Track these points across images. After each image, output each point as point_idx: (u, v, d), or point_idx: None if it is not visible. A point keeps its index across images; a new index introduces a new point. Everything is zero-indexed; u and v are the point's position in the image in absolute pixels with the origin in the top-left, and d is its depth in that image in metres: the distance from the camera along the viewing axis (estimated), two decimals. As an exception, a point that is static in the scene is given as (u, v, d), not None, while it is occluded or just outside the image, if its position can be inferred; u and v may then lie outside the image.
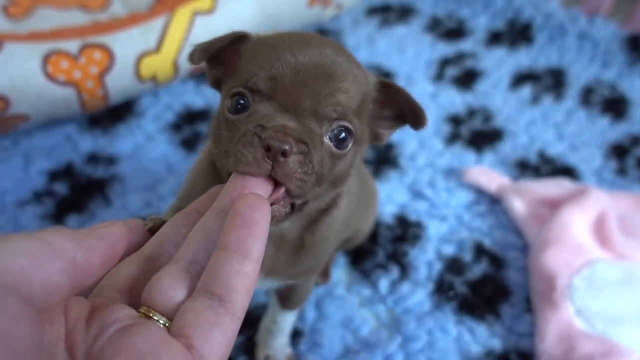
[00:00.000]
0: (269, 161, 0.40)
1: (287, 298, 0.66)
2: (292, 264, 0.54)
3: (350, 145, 0.45)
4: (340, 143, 0.45)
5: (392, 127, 0.53)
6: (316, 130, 0.43)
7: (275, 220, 0.42)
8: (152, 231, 0.42)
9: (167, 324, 0.35)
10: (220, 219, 0.38)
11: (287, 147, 0.39)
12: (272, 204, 0.41)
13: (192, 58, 0.47)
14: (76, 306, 0.34)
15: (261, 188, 0.40)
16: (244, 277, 0.35)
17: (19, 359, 0.27)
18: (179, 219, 0.42)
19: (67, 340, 0.32)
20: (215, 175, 0.51)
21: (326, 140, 0.44)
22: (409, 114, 0.50)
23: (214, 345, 0.33)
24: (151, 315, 0.35)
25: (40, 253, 0.30)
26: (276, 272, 0.55)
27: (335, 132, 0.44)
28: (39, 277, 0.29)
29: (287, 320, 0.69)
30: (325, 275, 0.81)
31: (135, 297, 0.37)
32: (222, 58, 0.49)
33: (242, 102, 0.44)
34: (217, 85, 0.52)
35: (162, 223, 0.43)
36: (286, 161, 0.40)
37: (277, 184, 0.41)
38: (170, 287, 0.36)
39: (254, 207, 0.36)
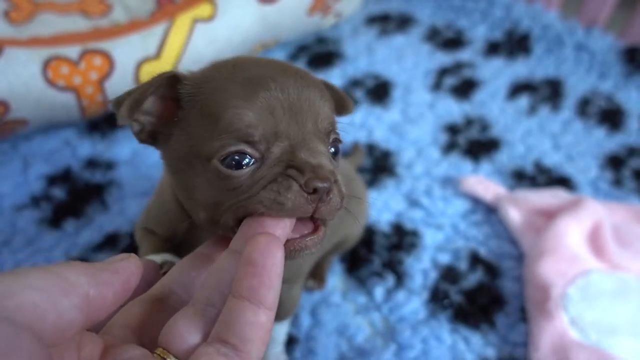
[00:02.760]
0: (314, 203, 0.38)
1: None
2: None
3: (340, 155, 0.45)
4: (335, 156, 0.44)
5: None
6: (327, 152, 0.42)
7: (311, 249, 0.41)
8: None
9: None
10: (233, 260, 0.37)
11: (329, 185, 0.38)
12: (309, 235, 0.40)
13: (120, 117, 0.40)
14: (90, 343, 0.34)
15: (283, 228, 0.38)
16: (258, 328, 0.35)
17: None
18: (186, 263, 0.42)
19: None
20: (182, 214, 0.50)
21: (331, 160, 0.43)
22: (340, 105, 0.51)
23: None
24: (165, 357, 0.35)
25: (54, 289, 0.29)
26: None
27: (332, 145, 0.44)
28: (52, 314, 0.29)
29: (278, 331, 0.69)
30: (320, 280, 0.81)
31: (145, 335, 0.37)
32: (149, 108, 0.43)
33: (242, 158, 0.39)
34: (151, 139, 0.45)
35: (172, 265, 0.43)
36: (330, 198, 0.39)
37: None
38: (186, 330, 0.36)
39: (265, 251, 0.35)
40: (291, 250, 0.40)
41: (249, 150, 0.39)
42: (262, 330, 0.35)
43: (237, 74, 0.41)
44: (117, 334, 0.37)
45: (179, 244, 0.54)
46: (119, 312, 0.39)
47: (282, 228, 0.38)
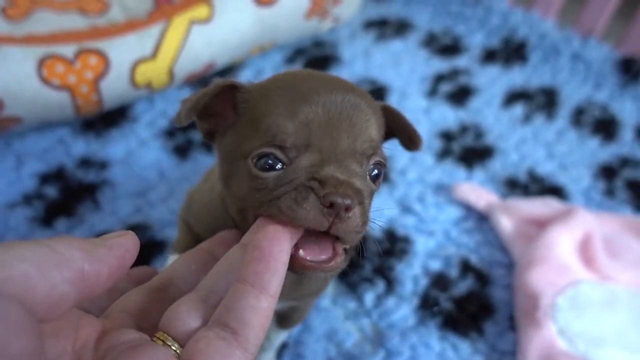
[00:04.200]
0: (329, 217, 0.38)
1: (287, 318, 0.65)
2: (298, 286, 0.53)
3: (382, 178, 0.45)
4: (375, 179, 0.44)
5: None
6: (361, 173, 0.42)
7: (336, 269, 0.42)
8: None
9: (178, 351, 0.35)
10: (244, 252, 0.38)
11: (349, 202, 0.38)
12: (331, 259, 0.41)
13: (180, 118, 0.43)
14: (88, 325, 0.34)
15: (292, 231, 0.39)
16: (259, 313, 0.35)
17: None
18: (188, 256, 0.43)
19: (74, 358, 0.32)
20: (224, 214, 0.51)
21: (368, 180, 0.43)
22: (405, 137, 0.52)
23: None
24: (165, 340, 0.35)
25: (46, 261, 0.29)
26: (281, 295, 0.55)
27: (372, 168, 0.43)
28: (43, 287, 0.28)
29: (280, 338, 0.69)
30: None
31: (145, 321, 0.37)
32: (210, 109, 0.46)
33: (270, 161, 0.41)
34: (210, 136, 0.49)
35: None
36: (348, 216, 0.38)
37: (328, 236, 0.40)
38: (187, 314, 0.36)
39: (273, 239, 0.36)
40: (307, 268, 0.40)
41: (278, 154, 0.40)
42: (262, 316, 0.35)
43: (288, 86, 0.43)
44: (116, 319, 0.37)
45: None
46: (118, 299, 0.39)
47: (291, 229, 0.39)
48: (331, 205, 0.38)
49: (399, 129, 0.51)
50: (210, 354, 0.33)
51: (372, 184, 0.43)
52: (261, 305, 0.35)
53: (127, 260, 0.35)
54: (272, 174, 0.41)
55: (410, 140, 0.52)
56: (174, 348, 0.35)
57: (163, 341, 0.35)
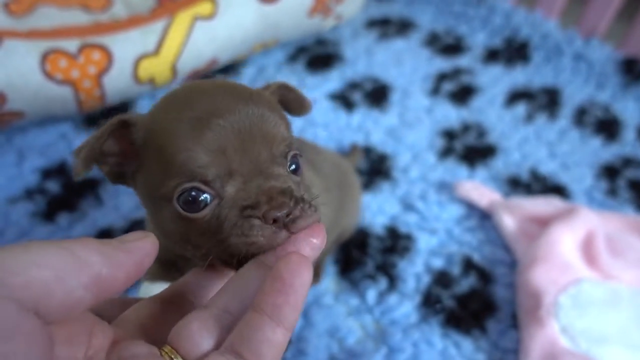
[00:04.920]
0: (282, 230, 0.37)
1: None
2: None
3: (301, 169, 0.44)
4: (296, 171, 0.43)
5: None
6: (282, 173, 0.41)
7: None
8: None
9: None
10: (260, 271, 0.37)
11: (287, 208, 0.37)
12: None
13: (77, 172, 0.40)
14: (101, 333, 0.34)
15: (312, 248, 0.38)
16: (274, 346, 0.34)
17: None
18: (202, 270, 0.42)
19: None
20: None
21: (291, 176, 0.42)
22: (298, 106, 0.51)
23: None
24: (173, 357, 0.34)
25: (65, 266, 0.29)
26: None
27: (289, 164, 0.42)
28: (60, 292, 0.28)
29: None
30: (316, 275, 0.81)
31: (155, 332, 0.37)
32: (108, 150, 0.43)
33: (198, 195, 0.38)
34: (118, 178, 0.45)
35: None
36: (294, 216, 0.37)
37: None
38: (198, 334, 0.35)
39: (295, 271, 0.35)
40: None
41: (202, 186, 0.38)
42: (277, 350, 0.34)
43: (185, 114, 0.39)
44: (127, 328, 0.36)
45: (181, 267, 0.54)
46: (130, 308, 0.38)
47: (311, 247, 0.38)
48: (274, 220, 0.37)
49: (291, 102, 0.50)
50: None
51: (295, 177, 0.43)
52: (277, 338, 0.34)
53: (144, 265, 0.34)
54: (205, 211, 0.39)
55: (300, 106, 0.51)
56: None
57: (171, 358, 0.34)
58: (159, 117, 0.41)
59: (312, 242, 0.37)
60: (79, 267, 0.29)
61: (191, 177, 0.38)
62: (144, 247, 0.34)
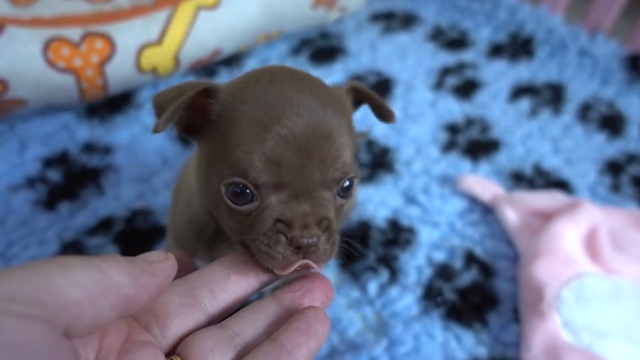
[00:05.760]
0: (300, 255, 0.40)
1: None
2: None
3: (354, 187, 0.45)
4: (345, 192, 0.44)
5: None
6: (328, 198, 0.42)
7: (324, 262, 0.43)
8: None
9: None
10: (275, 306, 0.40)
11: (315, 241, 0.39)
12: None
13: (158, 127, 0.41)
14: (114, 332, 0.34)
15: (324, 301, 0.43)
16: None
17: None
18: (228, 262, 0.42)
19: None
20: (210, 228, 0.52)
21: (337, 198, 0.43)
22: (377, 111, 0.51)
23: None
24: None
25: (97, 288, 0.29)
26: None
27: (342, 186, 0.43)
28: (90, 313, 0.28)
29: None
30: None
31: (169, 327, 0.37)
32: (187, 107, 0.44)
33: (243, 190, 0.40)
34: (188, 132, 0.46)
35: None
36: (317, 250, 0.40)
37: None
38: (211, 353, 0.36)
39: (321, 321, 0.38)
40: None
41: (251, 187, 0.40)
42: None
43: (257, 112, 0.40)
44: (141, 319, 0.37)
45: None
46: None
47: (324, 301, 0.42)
48: (298, 247, 0.39)
49: (371, 104, 0.50)
50: None
51: (341, 200, 0.44)
52: None
53: (164, 286, 0.35)
54: (245, 207, 0.41)
55: (383, 115, 0.50)
56: None
57: None
58: (234, 103, 0.42)
59: (328, 296, 0.42)
60: (109, 288, 0.30)
61: (243, 176, 0.40)
62: (166, 269, 0.35)
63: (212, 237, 0.53)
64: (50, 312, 0.26)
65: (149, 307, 0.37)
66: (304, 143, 0.39)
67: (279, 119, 0.39)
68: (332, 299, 0.42)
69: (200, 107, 0.44)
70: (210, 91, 0.43)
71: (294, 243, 0.39)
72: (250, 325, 0.38)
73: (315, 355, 0.38)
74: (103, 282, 0.30)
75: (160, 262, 0.35)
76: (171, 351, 0.37)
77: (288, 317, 0.39)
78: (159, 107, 0.43)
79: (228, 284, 0.41)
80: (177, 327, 0.37)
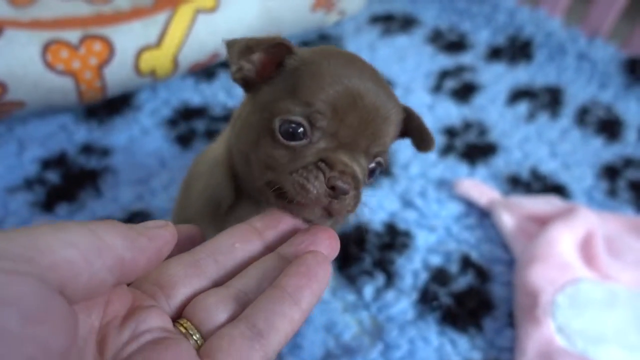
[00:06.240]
0: (329, 198, 0.42)
1: None
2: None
3: (375, 175, 0.49)
4: (371, 174, 0.48)
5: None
6: (364, 166, 0.46)
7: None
8: None
9: (199, 342, 0.35)
10: (279, 262, 0.40)
11: (348, 188, 0.42)
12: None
13: (232, 52, 0.46)
14: (118, 300, 0.34)
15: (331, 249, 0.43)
16: (289, 322, 0.35)
17: None
18: (234, 231, 0.43)
19: (100, 333, 0.32)
20: (224, 176, 0.54)
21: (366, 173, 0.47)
22: (418, 137, 0.54)
23: None
24: (188, 330, 0.35)
25: (90, 248, 0.29)
26: None
27: (372, 165, 0.47)
28: (85, 274, 0.29)
29: None
30: None
31: (175, 296, 0.37)
32: (254, 58, 0.48)
33: (296, 129, 0.44)
34: (242, 81, 0.50)
35: None
36: (344, 198, 0.43)
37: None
38: (214, 307, 0.36)
39: (321, 264, 0.38)
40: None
41: (306, 126, 0.43)
42: (290, 326, 0.36)
43: (340, 74, 0.44)
44: (147, 291, 0.37)
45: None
46: (152, 270, 0.39)
47: (329, 251, 0.42)
48: (333, 187, 0.42)
49: (413, 130, 0.53)
50: (231, 353, 0.33)
51: (367, 178, 0.48)
52: (293, 315, 0.36)
53: (164, 253, 0.36)
54: (292, 143, 0.44)
55: (423, 141, 0.54)
56: (195, 338, 0.35)
57: (186, 329, 0.35)
58: (317, 62, 0.46)
59: (333, 247, 0.42)
60: (104, 249, 0.30)
61: (305, 114, 0.43)
62: (165, 235, 0.35)
63: (227, 211, 0.55)
64: (40, 270, 0.26)
65: (154, 278, 0.37)
66: (367, 115, 0.44)
67: (357, 88, 0.44)
68: (337, 250, 0.43)
69: (269, 58, 0.48)
70: (288, 48, 0.46)
71: (330, 182, 0.41)
72: (254, 283, 0.38)
73: (319, 299, 0.38)
74: (97, 242, 0.30)
75: (158, 227, 0.35)
76: (177, 318, 0.37)
77: None
78: (242, 45, 0.45)
79: (233, 252, 0.41)
80: (182, 295, 0.37)
